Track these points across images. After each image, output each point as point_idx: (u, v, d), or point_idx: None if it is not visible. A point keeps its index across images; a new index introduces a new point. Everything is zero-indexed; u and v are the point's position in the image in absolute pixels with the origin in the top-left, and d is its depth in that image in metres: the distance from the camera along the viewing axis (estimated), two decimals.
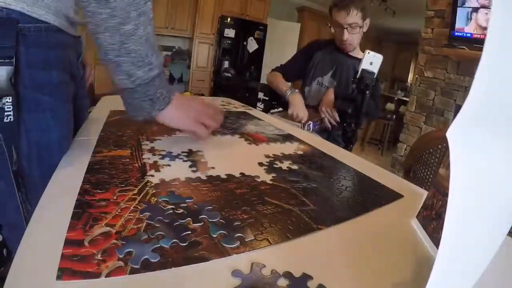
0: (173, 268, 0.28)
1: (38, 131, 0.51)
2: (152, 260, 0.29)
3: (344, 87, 1.29)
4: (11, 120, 0.45)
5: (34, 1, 0.47)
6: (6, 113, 0.45)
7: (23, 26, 0.46)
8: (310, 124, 1.15)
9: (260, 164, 0.56)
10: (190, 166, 0.52)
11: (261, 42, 4.64)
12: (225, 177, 0.49)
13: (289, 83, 1.39)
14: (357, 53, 1.32)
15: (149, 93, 0.52)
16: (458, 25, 2.38)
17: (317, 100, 1.31)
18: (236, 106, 1.17)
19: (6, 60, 0.44)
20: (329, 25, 1.29)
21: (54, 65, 0.52)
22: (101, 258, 0.28)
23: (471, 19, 2.33)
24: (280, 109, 1.50)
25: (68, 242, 0.30)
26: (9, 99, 0.45)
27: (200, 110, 0.62)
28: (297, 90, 1.29)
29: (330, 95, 1.19)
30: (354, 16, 1.17)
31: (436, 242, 0.35)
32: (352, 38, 1.23)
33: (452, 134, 0.21)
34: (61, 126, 0.54)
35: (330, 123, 1.18)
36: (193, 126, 0.60)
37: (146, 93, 0.51)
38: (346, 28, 1.20)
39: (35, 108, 0.50)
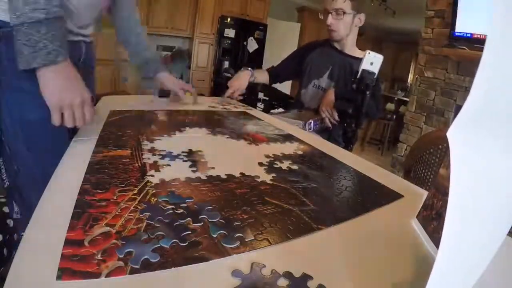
0: (173, 268, 0.28)
1: (19, 111, 0.57)
2: (152, 260, 0.29)
3: (342, 86, 1.29)
4: None
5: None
6: None
7: (5, 29, 0.51)
8: (311, 122, 1.16)
9: (260, 164, 0.56)
10: (190, 166, 0.52)
11: (261, 42, 4.63)
12: (225, 177, 0.49)
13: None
14: (353, 51, 1.32)
15: (31, 37, 0.48)
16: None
17: (314, 102, 1.31)
18: (236, 106, 1.17)
19: None
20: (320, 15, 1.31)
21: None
22: (101, 258, 0.28)
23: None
24: (281, 109, 1.50)
25: (68, 242, 0.30)
26: None
27: (74, 98, 0.54)
28: (249, 69, 1.36)
29: (331, 96, 1.20)
30: (340, 3, 1.21)
31: (436, 242, 0.35)
32: (337, 24, 1.25)
33: (453, 134, 0.21)
34: (42, 107, 0.53)
35: (331, 122, 1.18)
36: (53, 109, 0.53)
37: (28, 37, 0.48)
38: (331, 12, 1.23)
39: (16, 89, 0.55)
